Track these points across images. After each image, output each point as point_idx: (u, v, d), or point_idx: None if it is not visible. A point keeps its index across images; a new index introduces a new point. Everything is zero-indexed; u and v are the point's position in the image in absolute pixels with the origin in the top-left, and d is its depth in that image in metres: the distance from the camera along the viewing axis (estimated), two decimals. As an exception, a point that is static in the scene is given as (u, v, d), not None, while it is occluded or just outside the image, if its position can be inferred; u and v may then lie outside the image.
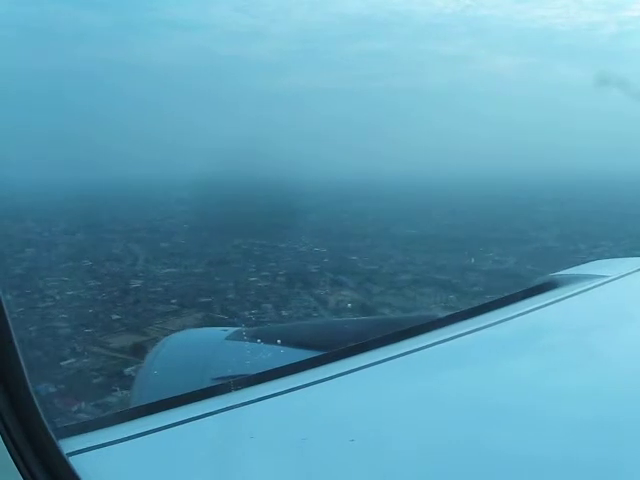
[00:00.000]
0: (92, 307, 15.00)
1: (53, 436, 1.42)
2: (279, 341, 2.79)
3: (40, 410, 1.39)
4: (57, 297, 15.27)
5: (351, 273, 18.49)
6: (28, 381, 1.36)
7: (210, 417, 1.90)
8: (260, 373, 2.20)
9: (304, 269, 19.32)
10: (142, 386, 2.84)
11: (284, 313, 15.02)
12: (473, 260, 17.85)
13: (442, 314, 2.91)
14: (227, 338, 2.97)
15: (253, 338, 2.89)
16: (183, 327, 11.74)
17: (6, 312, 1.37)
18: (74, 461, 1.48)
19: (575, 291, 3.08)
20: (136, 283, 17.48)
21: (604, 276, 3.29)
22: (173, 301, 15.78)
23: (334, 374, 2.18)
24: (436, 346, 2.42)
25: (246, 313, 14.58)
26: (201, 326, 13.61)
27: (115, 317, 14.07)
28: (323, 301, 15.49)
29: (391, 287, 17.02)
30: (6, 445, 1.33)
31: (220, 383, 2.24)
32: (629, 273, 3.39)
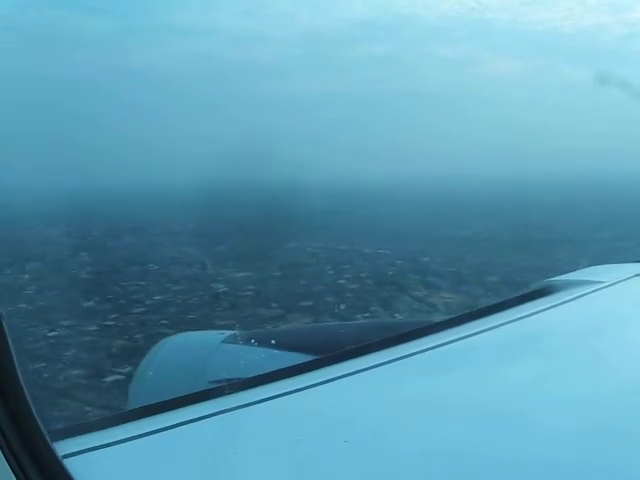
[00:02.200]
0: (190, 313, 15.02)
1: (48, 438, 1.41)
2: (275, 344, 2.78)
3: (34, 411, 1.38)
4: (147, 302, 15.46)
5: (435, 275, 18.22)
6: (22, 381, 1.36)
7: (206, 420, 1.89)
8: (256, 376, 2.18)
9: (383, 271, 19.05)
10: (138, 389, 2.84)
11: (398, 316, 14.87)
12: (545, 262, 17.38)
13: (438, 319, 2.89)
14: (223, 341, 2.96)
15: (249, 341, 2.88)
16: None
17: (1, 315, 1.36)
18: (69, 463, 1.47)
19: (571, 297, 3.02)
20: (221, 287, 17.47)
21: (600, 282, 3.23)
22: (274, 305, 15.59)
23: (330, 378, 2.16)
24: (431, 351, 2.39)
25: (359, 317, 14.30)
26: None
27: (221, 323, 13.60)
28: (430, 303, 15.19)
29: (489, 289, 16.65)
30: (0, 447, 1.32)
31: (216, 386, 2.25)
32: (625, 279, 3.32)
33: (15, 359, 1.35)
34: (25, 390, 1.37)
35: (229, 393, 2.05)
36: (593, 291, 3.11)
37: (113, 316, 14.22)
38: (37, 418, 1.38)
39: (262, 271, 19.38)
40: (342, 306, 15.58)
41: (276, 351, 2.72)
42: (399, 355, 2.33)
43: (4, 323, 1.34)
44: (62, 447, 1.53)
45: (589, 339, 2.63)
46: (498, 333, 2.60)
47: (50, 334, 12.80)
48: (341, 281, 18.04)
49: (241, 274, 19.02)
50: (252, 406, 1.97)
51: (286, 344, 2.79)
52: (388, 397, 2.13)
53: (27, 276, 17.44)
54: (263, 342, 2.82)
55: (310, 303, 15.65)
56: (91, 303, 14.92)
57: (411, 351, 2.37)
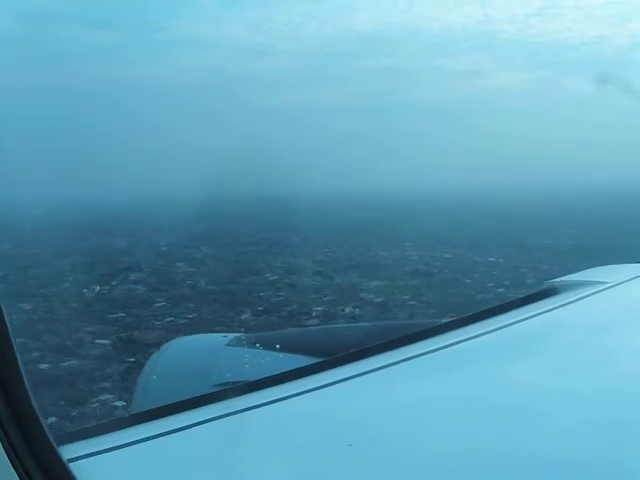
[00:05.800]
0: (370, 318, 13.92)
1: (53, 442, 1.32)
2: (279, 347, 2.64)
3: (40, 416, 1.29)
4: (312, 314, 14.53)
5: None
6: (27, 386, 1.27)
7: (210, 423, 1.78)
8: (260, 379, 2.08)
9: (521, 279, 18.07)
10: (142, 392, 2.74)
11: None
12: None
13: (441, 321, 2.76)
14: (228, 344, 2.85)
15: (254, 344, 2.76)
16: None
17: (5, 316, 1.28)
18: (74, 467, 1.38)
19: (574, 298, 2.87)
20: (372, 297, 16.32)
21: (604, 282, 3.06)
22: (451, 314, 14.68)
23: (335, 380, 2.05)
24: (435, 352, 2.26)
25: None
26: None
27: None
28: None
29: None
30: (5, 451, 1.23)
31: (220, 389, 2.15)
32: (629, 279, 3.16)
33: (20, 364, 1.27)
34: (31, 396, 1.28)
35: (233, 396, 1.96)
36: (597, 292, 2.97)
37: (277, 318, 13.60)
38: (43, 422, 1.30)
39: (393, 279, 18.72)
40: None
41: (280, 354, 2.61)
42: (403, 357, 2.22)
43: (6, 319, 1.24)
44: (68, 451, 1.45)
45: (593, 340, 2.49)
46: (502, 334, 2.47)
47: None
48: (500, 290, 16.97)
49: (374, 283, 18.17)
50: (256, 409, 1.87)
51: (290, 347, 2.68)
52: (393, 399, 2.01)
53: (141, 286, 17.09)
54: (267, 345, 2.71)
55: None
56: (247, 315, 14.46)
57: (415, 353, 2.26)
